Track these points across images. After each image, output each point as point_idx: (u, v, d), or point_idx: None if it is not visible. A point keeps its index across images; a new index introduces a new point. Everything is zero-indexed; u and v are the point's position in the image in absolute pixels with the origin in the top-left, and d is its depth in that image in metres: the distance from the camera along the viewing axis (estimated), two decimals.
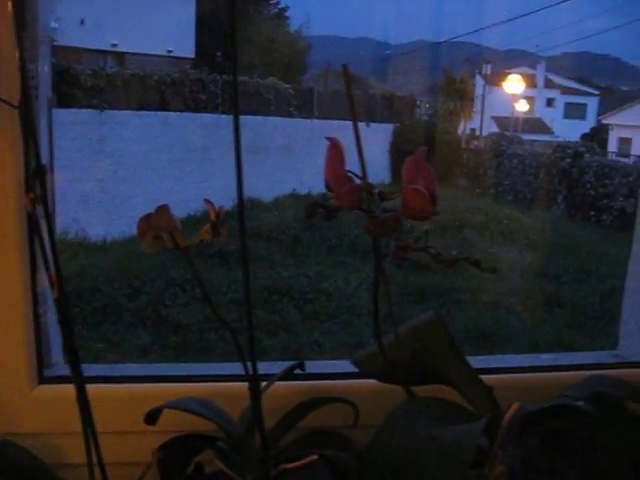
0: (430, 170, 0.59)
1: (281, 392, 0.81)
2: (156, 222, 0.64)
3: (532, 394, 0.98)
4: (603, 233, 8.84)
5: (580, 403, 0.84)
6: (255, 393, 0.70)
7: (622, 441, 0.80)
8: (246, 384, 0.71)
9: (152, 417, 0.79)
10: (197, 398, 0.81)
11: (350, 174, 0.56)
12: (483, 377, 0.87)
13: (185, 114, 8.87)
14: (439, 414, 0.72)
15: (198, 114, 8.74)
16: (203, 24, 12.83)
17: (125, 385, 0.89)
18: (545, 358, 1.36)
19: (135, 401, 0.85)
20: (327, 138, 0.56)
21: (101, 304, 4.73)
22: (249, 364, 0.68)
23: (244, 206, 0.63)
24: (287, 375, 0.81)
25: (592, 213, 9.84)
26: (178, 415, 0.78)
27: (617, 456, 0.79)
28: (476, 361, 1.23)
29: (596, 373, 1.04)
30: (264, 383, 0.78)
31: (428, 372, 0.78)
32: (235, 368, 0.81)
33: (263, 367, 1.00)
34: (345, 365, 0.92)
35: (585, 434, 0.79)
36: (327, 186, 0.57)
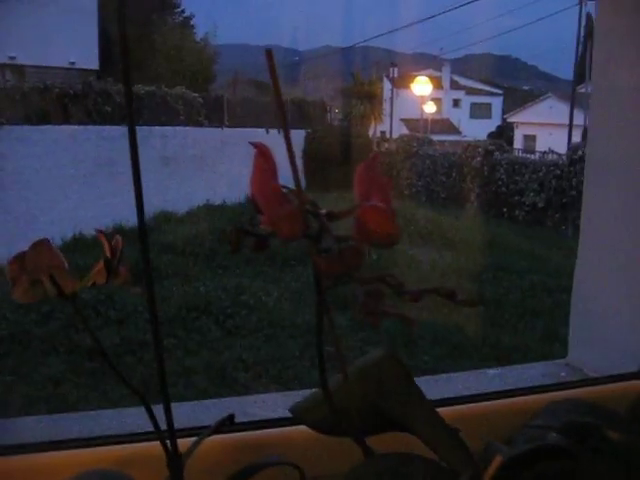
0: (385, 181, 0.46)
1: (208, 449, 0.67)
2: (33, 262, 0.49)
3: (491, 425, 0.86)
4: (516, 229, 8.97)
5: (560, 440, 0.74)
6: (175, 473, 0.56)
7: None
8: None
9: None
10: (104, 471, 0.66)
11: (284, 190, 0.43)
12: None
13: (90, 127, 8.51)
14: (403, 473, 0.59)
15: (104, 127, 8.40)
16: (106, 35, 12.49)
17: (15, 457, 0.73)
18: (492, 373, 1.26)
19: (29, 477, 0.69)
20: (252, 143, 0.43)
21: (8, 333, 4.43)
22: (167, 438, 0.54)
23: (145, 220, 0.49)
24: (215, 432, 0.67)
25: (504, 209, 9.99)
26: None
27: None
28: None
29: (558, 395, 0.94)
30: (188, 440, 0.64)
31: (382, 419, 0.65)
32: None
33: (186, 410, 0.84)
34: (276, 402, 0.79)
35: (569, 475, 0.68)
36: (255, 206, 0.43)
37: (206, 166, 8.83)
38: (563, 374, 1.23)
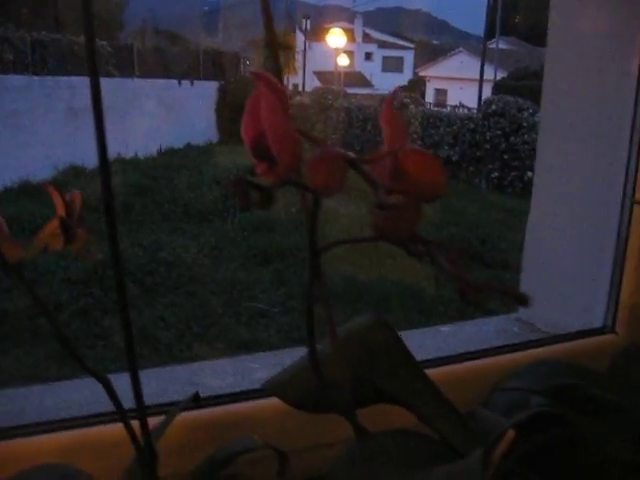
0: (402, 123, 0.39)
1: (174, 429, 0.59)
2: None
3: (463, 389, 0.82)
4: None
5: (547, 403, 0.69)
6: (147, 458, 0.48)
7: (608, 442, 0.66)
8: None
9: None
10: (52, 466, 0.57)
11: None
12: None
13: None
14: (401, 455, 0.53)
15: (5, 76, 7.90)
16: None
17: None
18: (446, 331, 1.23)
19: None
20: (254, 74, 0.34)
21: None
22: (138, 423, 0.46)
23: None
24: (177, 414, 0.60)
25: None
26: None
27: (608, 460, 0.65)
28: None
29: (527, 355, 0.90)
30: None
31: (370, 391, 0.59)
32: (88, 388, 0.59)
33: (126, 382, 0.77)
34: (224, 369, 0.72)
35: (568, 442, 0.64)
36: (257, 152, 0.35)
37: (117, 118, 8.44)
38: (515, 329, 1.20)
